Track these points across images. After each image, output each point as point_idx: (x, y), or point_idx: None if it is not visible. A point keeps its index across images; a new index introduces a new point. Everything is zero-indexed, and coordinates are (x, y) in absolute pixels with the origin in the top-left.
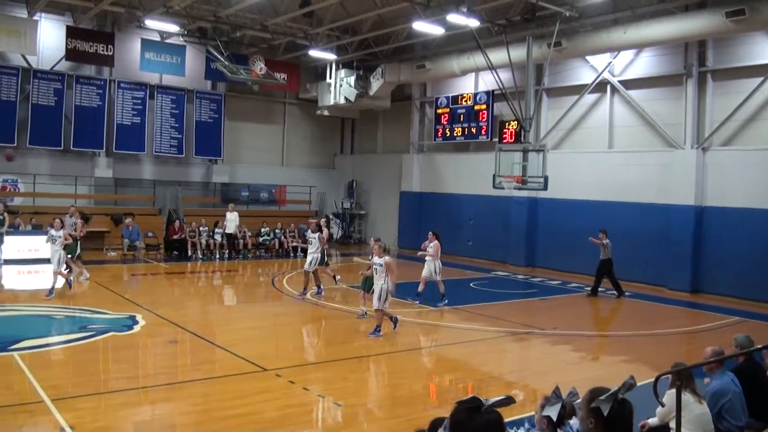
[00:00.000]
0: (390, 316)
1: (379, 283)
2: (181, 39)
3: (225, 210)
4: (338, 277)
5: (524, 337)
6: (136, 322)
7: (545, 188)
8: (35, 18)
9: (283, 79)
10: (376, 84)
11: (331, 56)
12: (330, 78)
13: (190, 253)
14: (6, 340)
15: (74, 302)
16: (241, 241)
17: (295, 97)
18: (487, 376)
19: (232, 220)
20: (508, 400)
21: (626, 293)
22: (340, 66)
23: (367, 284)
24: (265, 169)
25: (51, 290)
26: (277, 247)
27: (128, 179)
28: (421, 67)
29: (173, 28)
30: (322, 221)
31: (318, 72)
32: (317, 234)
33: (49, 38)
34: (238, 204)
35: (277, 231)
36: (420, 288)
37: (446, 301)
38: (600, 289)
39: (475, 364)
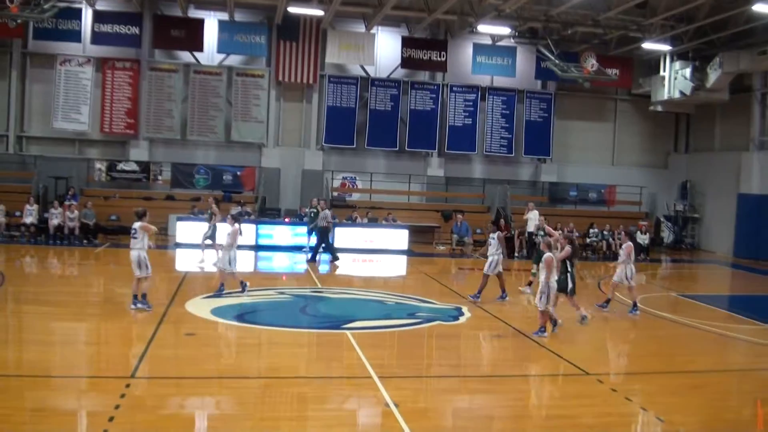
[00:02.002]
0: (551, 317)
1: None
2: (512, 41)
3: (554, 209)
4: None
5: None
6: (462, 314)
7: None
8: (372, 32)
9: (615, 74)
10: (713, 75)
11: (665, 47)
12: (663, 71)
13: (516, 250)
14: (341, 319)
15: (405, 291)
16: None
17: (626, 92)
18: None
19: (532, 219)
20: None
21: None
22: (674, 57)
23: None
24: (594, 168)
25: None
26: (604, 249)
27: (459, 178)
28: (763, 53)
29: (504, 30)
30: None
31: (651, 65)
32: (496, 234)
33: (386, 49)
34: (565, 204)
35: (605, 232)
36: (609, 295)
37: (638, 312)
38: None
39: None
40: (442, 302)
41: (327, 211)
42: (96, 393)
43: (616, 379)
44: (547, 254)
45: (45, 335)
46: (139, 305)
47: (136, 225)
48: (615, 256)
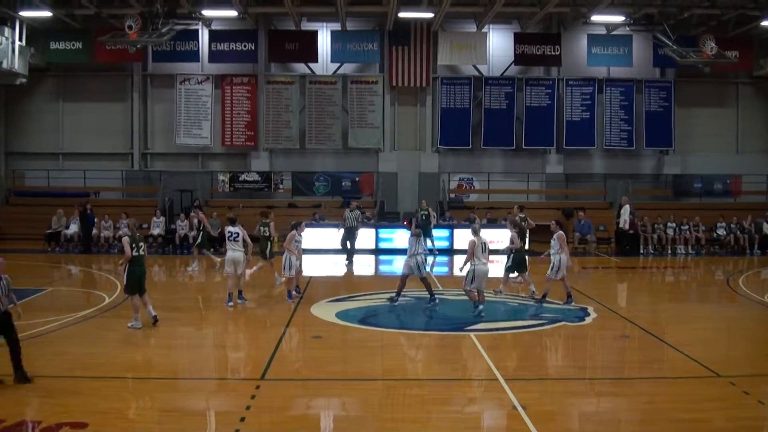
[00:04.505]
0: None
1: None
2: (627, 29)
3: (678, 203)
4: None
5: None
6: (588, 314)
7: None
8: (484, 30)
9: (735, 56)
10: None
11: None
12: None
13: (641, 248)
14: (464, 321)
15: (526, 291)
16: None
17: (747, 75)
18: None
19: (623, 215)
20: None
21: None
22: None
23: None
24: (717, 157)
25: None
26: (732, 243)
27: (578, 174)
28: None
29: (619, 19)
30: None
31: None
32: (557, 234)
33: (498, 47)
34: (690, 197)
35: (732, 226)
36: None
37: (573, 302)
38: None
39: None
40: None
41: (357, 211)
42: (227, 394)
43: (749, 381)
44: (559, 231)
45: (174, 339)
46: (231, 304)
47: (234, 229)
48: (743, 251)
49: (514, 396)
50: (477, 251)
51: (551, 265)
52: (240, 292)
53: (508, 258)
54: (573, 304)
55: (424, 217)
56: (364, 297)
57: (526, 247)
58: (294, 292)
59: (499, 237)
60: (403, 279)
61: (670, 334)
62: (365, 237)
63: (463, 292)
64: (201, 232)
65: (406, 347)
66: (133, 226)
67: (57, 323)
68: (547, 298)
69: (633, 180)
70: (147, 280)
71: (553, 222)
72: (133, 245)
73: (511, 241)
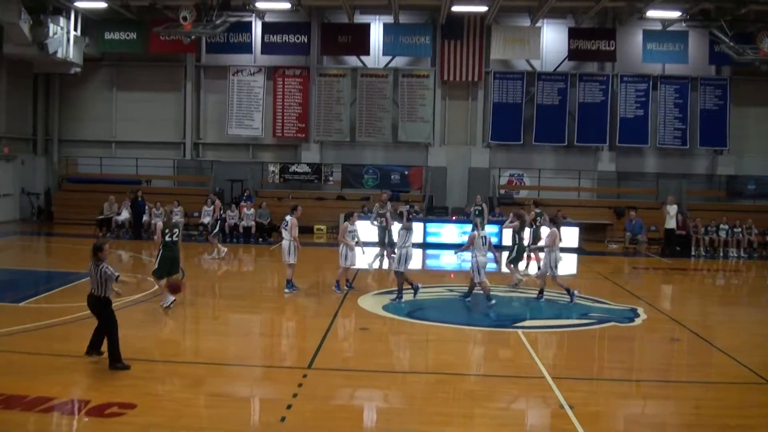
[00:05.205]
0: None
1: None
2: (683, 25)
3: (731, 205)
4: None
5: None
6: (637, 315)
7: None
8: (537, 25)
9: None
10: None
11: None
12: None
13: (693, 249)
14: (511, 318)
15: (577, 290)
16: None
17: None
18: None
19: (671, 215)
20: None
21: None
22: None
23: None
24: None
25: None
26: None
27: (631, 172)
28: None
29: (675, 14)
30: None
31: None
32: (550, 230)
33: (552, 41)
34: (743, 199)
35: None
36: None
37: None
38: None
39: None
40: (616, 303)
41: (388, 206)
42: (275, 382)
43: None
44: (553, 229)
45: (223, 326)
46: (287, 290)
47: (288, 218)
48: None
49: (561, 395)
50: (477, 243)
51: (544, 262)
52: (290, 281)
53: (512, 250)
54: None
55: (478, 213)
56: (412, 290)
57: (525, 242)
58: (345, 287)
59: (546, 234)
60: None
61: (719, 338)
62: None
63: (510, 288)
64: (218, 220)
65: (453, 342)
66: (168, 213)
67: None
68: (598, 299)
69: (686, 179)
70: (197, 268)
71: (546, 218)
72: (166, 231)
73: (549, 238)
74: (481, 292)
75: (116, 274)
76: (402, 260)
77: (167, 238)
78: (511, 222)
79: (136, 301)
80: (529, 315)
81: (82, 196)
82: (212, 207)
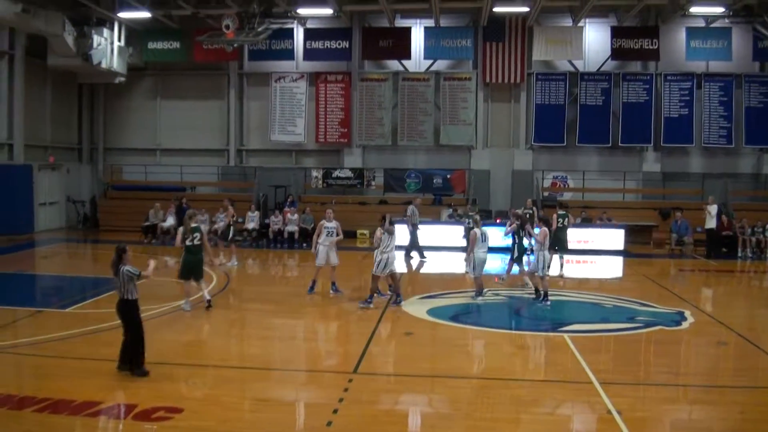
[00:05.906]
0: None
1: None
2: (726, 21)
3: None
4: None
5: None
6: (685, 319)
7: None
8: (580, 25)
9: None
10: None
11: None
12: None
13: (739, 250)
14: (557, 322)
15: (622, 293)
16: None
17: None
18: None
19: (711, 215)
20: None
21: None
22: None
23: None
24: None
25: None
26: None
27: (676, 173)
28: None
29: (718, 10)
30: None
31: None
32: (540, 230)
33: (594, 41)
34: None
35: None
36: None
37: (548, 303)
38: None
39: None
40: (663, 306)
41: (413, 207)
42: (320, 386)
43: None
44: (543, 228)
45: (267, 330)
46: (331, 292)
47: (332, 225)
48: None
49: (609, 400)
50: (477, 241)
51: (537, 262)
52: (333, 283)
53: (512, 251)
54: (547, 303)
55: (528, 216)
56: (456, 294)
57: (524, 241)
58: (377, 294)
59: (592, 237)
60: (393, 276)
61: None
62: (457, 234)
63: (558, 292)
64: (231, 226)
65: (498, 346)
66: (187, 218)
67: (153, 312)
68: (644, 302)
69: (732, 179)
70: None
71: (538, 218)
72: (186, 236)
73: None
74: (528, 295)
75: (137, 271)
76: (381, 264)
77: (188, 243)
78: (510, 224)
79: (180, 307)
80: (576, 319)
81: (127, 204)
82: (224, 213)
